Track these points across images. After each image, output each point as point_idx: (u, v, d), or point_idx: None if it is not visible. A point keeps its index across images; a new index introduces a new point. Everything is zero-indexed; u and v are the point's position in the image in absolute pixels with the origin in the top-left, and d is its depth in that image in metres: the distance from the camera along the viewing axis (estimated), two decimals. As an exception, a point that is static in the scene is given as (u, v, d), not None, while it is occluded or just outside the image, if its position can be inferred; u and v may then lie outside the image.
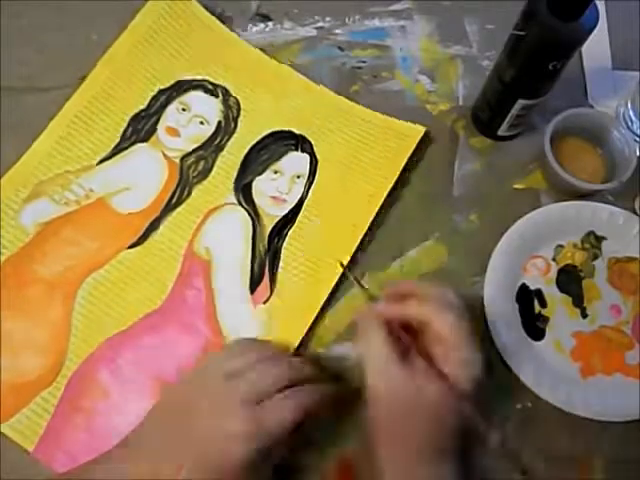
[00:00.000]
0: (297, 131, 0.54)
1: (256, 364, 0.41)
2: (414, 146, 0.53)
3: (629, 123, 0.56)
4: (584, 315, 0.50)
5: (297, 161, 0.53)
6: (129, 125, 0.53)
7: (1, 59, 0.55)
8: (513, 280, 0.50)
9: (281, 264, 0.49)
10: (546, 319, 0.50)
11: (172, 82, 0.55)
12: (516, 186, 0.54)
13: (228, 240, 0.50)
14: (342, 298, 0.49)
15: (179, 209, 0.51)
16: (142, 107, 0.53)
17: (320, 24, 0.59)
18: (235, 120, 0.54)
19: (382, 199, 0.51)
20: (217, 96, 0.55)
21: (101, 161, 0.52)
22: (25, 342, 0.46)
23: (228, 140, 0.53)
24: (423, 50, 0.59)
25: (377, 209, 0.51)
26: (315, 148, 0.53)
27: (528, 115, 0.52)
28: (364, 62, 0.58)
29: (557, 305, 0.50)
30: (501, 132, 0.54)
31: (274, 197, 0.52)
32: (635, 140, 0.55)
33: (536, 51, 0.45)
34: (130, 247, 0.49)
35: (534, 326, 0.49)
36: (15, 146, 0.51)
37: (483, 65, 0.58)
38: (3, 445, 0.44)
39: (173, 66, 0.55)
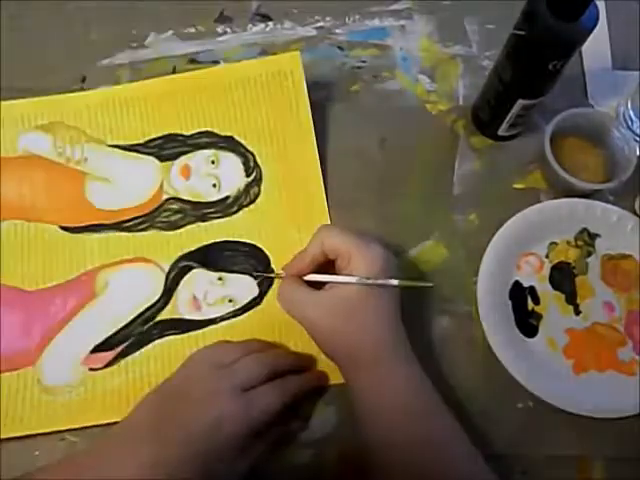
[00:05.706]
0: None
1: (241, 358, 0.43)
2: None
3: (629, 123, 0.56)
4: (577, 312, 0.50)
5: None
6: (160, 138, 0.52)
7: (1, 59, 0.55)
8: (506, 277, 0.50)
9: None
10: (539, 316, 0.50)
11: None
12: (516, 186, 0.54)
13: None
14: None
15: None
16: (180, 131, 0.52)
17: (320, 24, 0.60)
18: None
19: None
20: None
21: (114, 146, 0.52)
22: None
23: None
24: (423, 50, 0.59)
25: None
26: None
27: (528, 115, 0.52)
28: (364, 62, 0.58)
29: (550, 302, 0.50)
30: (501, 132, 0.54)
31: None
32: (635, 140, 0.55)
33: (536, 51, 0.45)
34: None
35: (527, 323, 0.49)
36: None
37: (483, 65, 0.58)
38: (3, 444, 0.45)
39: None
